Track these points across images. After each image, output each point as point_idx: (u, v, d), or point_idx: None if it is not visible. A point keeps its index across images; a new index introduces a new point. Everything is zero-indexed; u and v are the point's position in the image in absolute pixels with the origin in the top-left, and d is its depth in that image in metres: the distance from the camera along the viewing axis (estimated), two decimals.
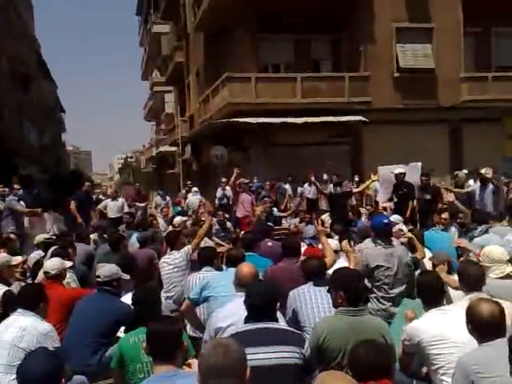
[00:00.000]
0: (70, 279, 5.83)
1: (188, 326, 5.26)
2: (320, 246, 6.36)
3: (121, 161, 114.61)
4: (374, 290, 5.36)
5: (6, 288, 5.35)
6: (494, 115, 19.84)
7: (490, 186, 10.04)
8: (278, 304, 3.53)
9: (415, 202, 10.34)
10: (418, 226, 9.63)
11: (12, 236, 8.30)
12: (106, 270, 4.88)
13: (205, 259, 5.82)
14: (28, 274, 6.71)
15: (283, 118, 17.40)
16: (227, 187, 14.05)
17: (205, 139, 22.66)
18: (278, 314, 3.64)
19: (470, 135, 19.95)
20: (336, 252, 6.20)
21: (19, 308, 4.15)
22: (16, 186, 11.38)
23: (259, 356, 3.13)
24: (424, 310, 3.86)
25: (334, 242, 6.59)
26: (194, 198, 14.20)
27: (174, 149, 34.98)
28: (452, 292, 4.74)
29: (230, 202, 13.84)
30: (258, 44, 19.64)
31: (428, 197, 10.31)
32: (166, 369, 2.95)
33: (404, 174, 10.52)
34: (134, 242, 8.43)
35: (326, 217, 10.43)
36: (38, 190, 21.18)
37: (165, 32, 35.75)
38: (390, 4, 19.68)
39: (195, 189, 15.49)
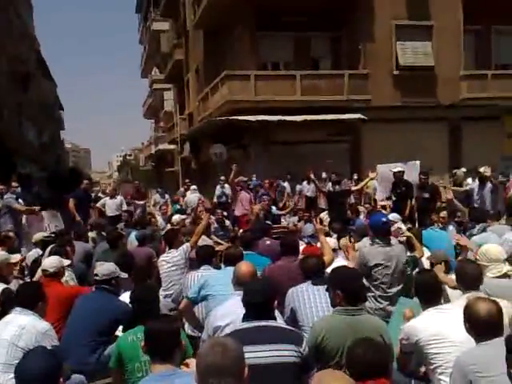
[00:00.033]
0: (69, 277, 5.83)
1: (186, 325, 5.26)
2: (318, 245, 6.36)
3: (120, 159, 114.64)
4: (372, 288, 5.35)
5: (5, 286, 5.34)
6: (494, 113, 19.86)
7: (489, 185, 10.05)
8: (276, 302, 3.53)
9: (414, 200, 10.34)
10: (417, 224, 9.63)
11: (10, 234, 8.28)
12: (105, 268, 4.87)
13: (203, 258, 5.82)
14: (26, 272, 6.71)
15: (282, 115, 17.41)
16: (226, 185, 14.05)
17: (204, 137, 22.67)
18: (276, 313, 3.64)
19: (470, 133, 19.97)
20: (334, 250, 6.20)
21: (18, 307, 4.15)
22: (14, 184, 11.36)
23: (257, 354, 3.13)
24: (421, 309, 3.86)
25: (332, 241, 6.59)
26: (192, 196, 14.19)
27: (173, 147, 34.99)
28: (450, 291, 4.74)
29: (229, 200, 13.83)
30: (258, 42, 19.63)
31: (426, 195, 10.31)
32: (164, 368, 2.95)
33: (403, 172, 10.52)
34: (132, 240, 8.42)
35: (324, 215, 10.43)
36: (37, 188, 21.18)
37: (164, 29, 35.75)
38: (389, 2, 19.68)
39: (194, 187, 15.48)
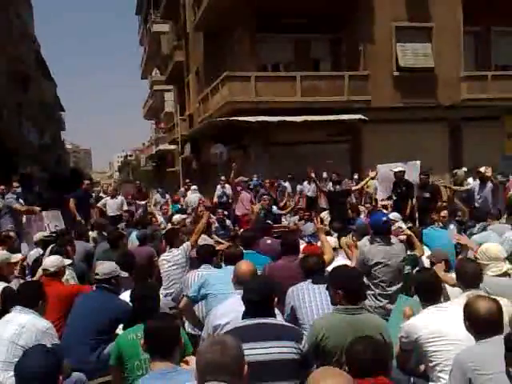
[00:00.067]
0: (69, 276, 5.84)
1: (187, 324, 5.27)
2: (319, 244, 6.37)
3: (120, 159, 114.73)
4: (372, 287, 5.36)
5: (6, 284, 5.35)
6: (494, 114, 19.88)
7: (489, 185, 10.05)
8: (276, 299, 3.53)
9: (414, 200, 10.35)
10: (417, 223, 9.64)
11: (11, 234, 8.30)
12: (105, 267, 4.88)
13: (203, 257, 5.83)
14: (27, 272, 6.72)
15: (283, 116, 17.41)
16: (227, 185, 14.06)
17: (204, 138, 22.69)
18: (276, 311, 3.65)
19: (470, 134, 19.97)
20: (335, 249, 6.22)
21: (18, 305, 4.15)
22: (15, 184, 11.40)
23: (257, 351, 3.14)
24: (421, 308, 3.87)
25: (332, 240, 6.60)
26: (193, 196, 14.21)
27: (173, 147, 35.03)
28: (449, 289, 4.75)
29: (230, 200, 13.85)
30: (258, 43, 19.65)
31: (427, 195, 10.32)
32: (163, 365, 2.95)
33: (403, 172, 10.53)
34: (133, 239, 8.44)
35: (325, 214, 10.45)
36: (39, 188, 21.21)
37: (164, 31, 35.77)
38: (389, 3, 19.69)
39: (194, 187, 15.50)
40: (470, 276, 4.00)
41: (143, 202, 14.71)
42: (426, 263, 5.87)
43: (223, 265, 5.58)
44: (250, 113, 17.65)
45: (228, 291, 4.34)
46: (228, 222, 11.27)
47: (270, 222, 9.30)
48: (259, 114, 17.58)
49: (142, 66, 50.39)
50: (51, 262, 5.33)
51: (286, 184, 16.10)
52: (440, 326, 3.54)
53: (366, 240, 6.12)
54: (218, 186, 14.45)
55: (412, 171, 10.73)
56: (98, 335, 4.48)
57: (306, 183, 15.74)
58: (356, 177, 16.07)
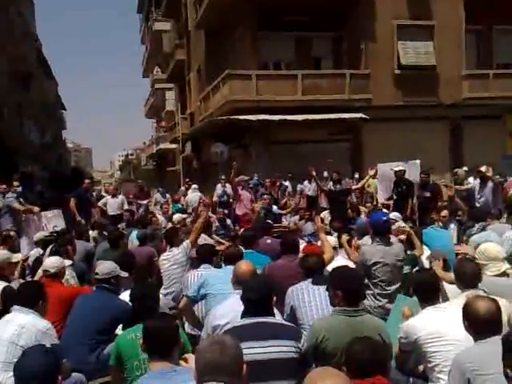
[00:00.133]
0: (69, 276, 5.84)
1: (186, 324, 5.27)
2: (319, 243, 6.37)
3: (122, 158, 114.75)
4: (371, 286, 5.37)
5: (6, 284, 5.35)
6: (495, 113, 19.85)
7: (490, 184, 10.04)
8: (275, 298, 3.53)
9: (415, 199, 10.34)
10: (417, 223, 9.63)
11: (12, 233, 8.31)
12: (105, 267, 4.88)
13: (203, 256, 5.83)
14: (27, 272, 6.72)
15: (283, 115, 17.40)
16: (227, 184, 14.06)
17: (205, 136, 22.68)
18: (275, 311, 3.65)
19: (471, 133, 19.94)
20: (335, 249, 6.22)
21: (18, 305, 4.16)
22: (15, 183, 11.41)
23: (256, 350, 3.15)
24: (420, 308, 3.87)
25: (332, 239, 6.60)
26: (193, 196, 14.22)
27: (174, 146, 35.01)
28: (448, 287, 4.75)
29: (230, 200, 13.85)
30: (259, 41, 19.62)
31: (428, 194, 10.32)
32: (162, 366, 2.96)
33: (404, 171, 10.53)
34: (133, 239, 8.44)
35: (325, 214, 10.45)
36: (40, 187, 21.21)
37: (166, 29, 35.72)
38: (391, 1, 19.68)
39: (195, 186, 15.50)
40: (469, 276, 4.00)
41: (145, 202, 14.70)
42: (426, 263, 5.88)
43: (223, 265, 5.58)
44: (250, 111, 17.64)
45: (228, 291, 4.34)
46: (228, 221, 11.28)
47: (270, 221, 9.31)
48: (260, 113, 17.57)
49: (143, 65, 50.39)
50: (51, 263, 5.33)
51: (287, 183, 16.10)
52: (439, 326, 3.54)
53: (366, 239, 6.14)
54: (219, 185, 14.44)
55: (412, 170, 10.73)
56: (98, 335, 4.48)
57: (306, 182, 15.74)
58: (357, 176, 16.05)
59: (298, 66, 19.72)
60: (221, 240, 9.28)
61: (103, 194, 15.41)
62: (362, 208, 11.09)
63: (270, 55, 20.30)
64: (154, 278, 7.00)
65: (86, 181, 12.91)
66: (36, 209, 10.01)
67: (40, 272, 5.52)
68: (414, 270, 5.51)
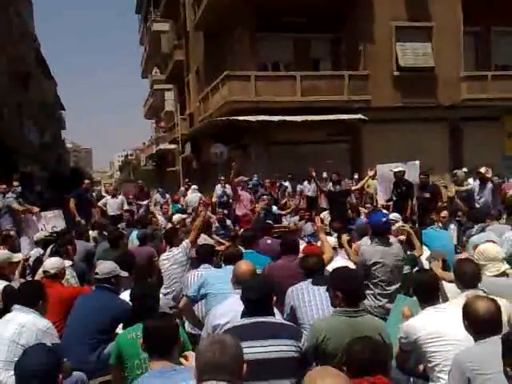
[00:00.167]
0: (70, 275, 5.85)
1: (187, 323, 5.28)
2: (319, 244, 6.38)
3: (121, 158, 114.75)
4: (371, 286, 5.38)
5: (7, 283, 5.36)
6: (494, 114, 19.88)
7: (490, 185, 10.05)
8: (275, 298, 3.54)
9: (415, 200, 10.36)
10: (417, 224, 9.64)
11: (12, 233, 8.32)
12: (105, 266, 4.89)
13: (203, 256, 5.85)
14: (28, 272, 6.73)
15: (283, 116, 17.42)
16: (227, 185, 14.07)
17: (204, 137, 22.70)
18: (276, 310, 3.66)
19: (470, 134, 19.98)
20: (334, 249, 6.23)
21: (19, 304, 4.16)
22: (15, 183, 11.41)
23: (256, 350, 3.16)
24: (420, 308, 3.88)
25: (332, 240, 6.61)
26: (193, 196, 14.22)
27: (173, 146, 35.03)
28: (447, 286, 4.76)
29: (230, 200, 13.86)
30: (258, 43, 19.65)
31: (427, 195, 10.33)
32: (162, 365, 2.96)
33: (403, 172, 10.53)
34: (133, 239, 8.45)
35: (325, 214, 10.47)
36: (40, 188, 21.21)
37: (165, 30, 35.75)
38: (389, 3, 19.70)
39: (194, 186, 15.50)
40: (469, 276, 4.01)
41: (145, 202, 14.69)
42: (426, 264, 5.89)
43: (223, 265, 5.59)
44: (249, 112, 17.66)
45: (227, 291, 4.35)
46: (228, 221, 11.29)
47: (270, 221, 9.32)
48: (259, 114, 17.59)
49: (142, 65, 50.39)
50: (51, 264, 5.33)
51: (287, 184, 16.11)
52: (439, 326, 3.55)
53: (366, 240, 6.15)
54: (218, 186, 14.44)
55: (412, 171, 10.74)
56: (98, 335, 4.49)
57: (306, 183, 15.75)
58: (356, 177, 16.07)
59: (296, 67, 19.76)
60: (221, 240, 9.29)
61: (103, 194, 15.41)
62: (362, 209, 11.11)
63: (269, 56, 20.32)
64: (154, 277, 7.00)
65: (86, 181, 12.91)
66: (35, 209, 10.01)
67: (40, 272, 5.52)
68: (414, 270, 5.53)
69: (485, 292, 3.88)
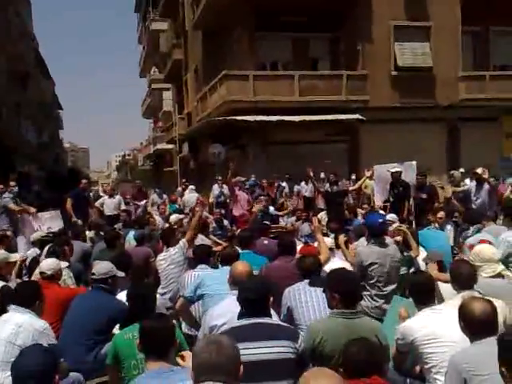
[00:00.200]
0: (66, 276, 5.85)
1: (183, 324, 5.28)
2: (316, 244, 6.39)
3: (119, 158, 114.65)
4: (368, 287, 5.38)
5: (4, 283, 5.35)
6: (492, 114, 19.91)
7: (486, 186, 10.04)
8: (272, 299, 3.54)
9: (411, 200, 10.35)
10: (414, 224, 9.65)
11: (8, 233, 8.30)
12: (101, 267, 4.88)
13: (200, 257, 5.84)
14: (24, 272, 6.72)
15: (281, 116, 17.43)
16: (224, 185, 14.07)
17: (202, 137, 22.69)
18: (272, 312, 3.66)
19: (468, 134, 20.00)
20: (331, 250, 6.23)
21: (15, 305, 4.16)
22: (11, 183, 11.38)
23: (253, 351, 3.16)
24: (416, 309, 3.89)
25: (329, 240, 6.62)
26: (190, 196, 14.21)
27: (171, 146, 34.97)
28: (442, 286, 4.77)
29: (227, 200, 13.86)
30: (256, 42, 19.65)
31: (424, 196, 10.33)
32: (159, 365, 2.97)
33: (400, 172, 10.52)
34: (130, 239, 8.43)
35: (322, 215, 10.46)
36: (38, 188, 21.16)
37: (163, 29, 35.73)
38: (388, 2, 19.71)
39: (192, 187, 15.49)
40: (465, 277, 4.02)
41: (142, 203, 14.66)
42: (422, 265, 5.90)
43: (220, 265, 5.59)
44: (248, 112, 17.65)
45: (224, 291, 4.35)
46: (225, 222, 11.28)
47: (267, 222, 9.32)
48: (257, 114, 17.59)
49: (140, 65, 50.33)
50: (48, 265, 5.32)
51: (284, 184, 16.11)
52: (435, 328, 3.55)
53: (362, 241, 6.16)
54: (216, 186, 14.43)
55: (408, 172, 10.73)
56: (95, 335, 4.48)
57: (303, 184, 15.75)
58: (354, 177, 16.07)
59: (295, 67, 19.77)
60: (218, 240, 9.28)
61: (101, 194, 15.39)
62: (359, 210, 11.11)
63: (268, 56, 20.33)
64: (150, 278, 6.99)
65: (83, 181, 12.89)
66: (32, 209, 9.98)
67: (37, 273, 5.52)
68: (411, 271, 5.54)
69: (480, 293, 3.89)
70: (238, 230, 9.16)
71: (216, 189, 14.34)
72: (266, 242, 7.22)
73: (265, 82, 18.69)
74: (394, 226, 7.05)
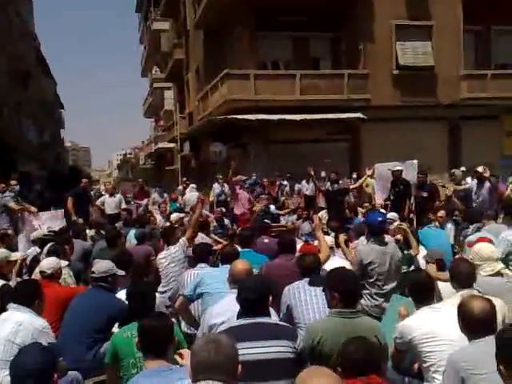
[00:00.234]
0: (66, 275, 5.85)
1: (183, 323, 5.28)
2: (316, 243, 6.38)
3: (120, 157, 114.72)
4: (367, 286, 5.38)
5: (4, 282, 5.35)
6: (493, 113, 19.88)
7: (487, 184, 10.03)
8: (271, 298, 3.54)
9: (412, 199, 10.35)
10: (415, 223, 9.64)
11: (9, 232, 8.31)
12: (102, 265, 4.88)
13: (200, 255, 5.84)
14: (24, 271, 6.73)
15: (282, 114, 17.41)
16: (225, 184, 14.07)
17: (204, 136, 22.69)
18: (271, 311, 3.65)
19: (469, 133, 19.98)
20: (331, 248, 6.23)
21: (15, 303, 4.16)
22: (12, 182, 11.40)
23: (252, 351, 3.16)
24: (415, 308, 3.88)
25: (329, 239, 6.61)
26: (191, 195, 14.21)
27: (172, 145, 34.98)
28: (441, 286, 4.76)
29: (228, 199, 13.86)
30: (257, 41, 19.64)
31: (425, 194, 10.33)
32: (157, 364, 2.97)
33: (401, 171, 10.53)
34: (131, 238, 8.44)
35: (323, 214, 10.47)
36: (40, 187, 21.17)
37: (165, 29, 35.73)
38: (389, 2, 19.69)
39: (193, 185, 15.49)
40: (465, 276, 4.01)
41: (144, 202, 14.65)
42: (422, 263, 5.89)
43: (220, 264, 5.59)
44: (249, 111, 17.64)
45: (224, 290, 4.35)
46: (226, 220, 11.28)
47: (268, 221, 9.32)
48: (258, 112, 17.58)
49: (141, 64, 50.38)
50: (48, 264, 5.32)
51: (285, 183, 16.11)
52: (434, 326, 3.55)
53: (363, 239, 6.15)
54: (216, 185, 14.44)
55: (409, 170, 10.73)
56: (95, 334, 4.48)
57: (304, 182, 15.74)
58: (355, 176, 16.04)
59: (296, 66, 19.75)
60: (218, 239, 9.29)
61: (103, 192, 15.40)
62: (360, 208, 11.11)
63: (268, 55, 20.31)
64: (151, 276, 7.00)
65: (84, 180, 12.90)
66: (33, 209, 9.99)
67: (37, 272, 5.52)
68: (410, 269, 5.53)
69: (480, 292, 3.89)
70: (239, 229, 9.17)
71: (217, 187, 14.35)
72: (266, 240, 7.22)
73: (266, 81, 18.68)
74: (395, 224, 7.04)
